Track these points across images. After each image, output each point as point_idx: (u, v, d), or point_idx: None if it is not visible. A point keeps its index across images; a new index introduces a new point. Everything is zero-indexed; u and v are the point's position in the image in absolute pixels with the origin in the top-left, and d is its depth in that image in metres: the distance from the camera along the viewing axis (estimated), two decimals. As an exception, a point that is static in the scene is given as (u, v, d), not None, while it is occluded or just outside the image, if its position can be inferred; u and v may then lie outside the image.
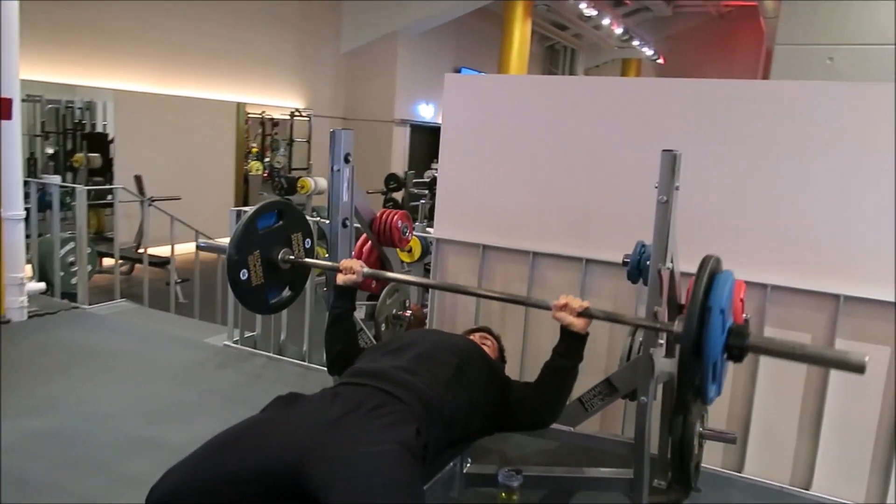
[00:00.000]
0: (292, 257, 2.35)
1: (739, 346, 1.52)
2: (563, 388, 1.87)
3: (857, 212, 2.50)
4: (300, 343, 3.86)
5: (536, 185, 2.99)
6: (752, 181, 2.63)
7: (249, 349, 3.91)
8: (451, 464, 2.18)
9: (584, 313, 1.80)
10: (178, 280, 5.98)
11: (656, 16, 13.68)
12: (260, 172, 9.21)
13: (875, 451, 2.56)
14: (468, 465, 2.28)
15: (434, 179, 6.56)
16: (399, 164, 10.60)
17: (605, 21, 11.40)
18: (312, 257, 2.50)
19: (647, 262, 2.14)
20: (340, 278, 2.17)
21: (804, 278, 2.54)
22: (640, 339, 2.29)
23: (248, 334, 4.01)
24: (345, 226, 2.55)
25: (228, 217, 3.77)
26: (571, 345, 1.83)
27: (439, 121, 12.58)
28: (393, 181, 6.88)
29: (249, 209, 2.31)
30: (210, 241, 2.49)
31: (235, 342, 3.96)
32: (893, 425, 2.51)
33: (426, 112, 11.34)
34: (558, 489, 2.35)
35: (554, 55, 15.26)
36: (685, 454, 2.16)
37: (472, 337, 2.27)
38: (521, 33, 10.27)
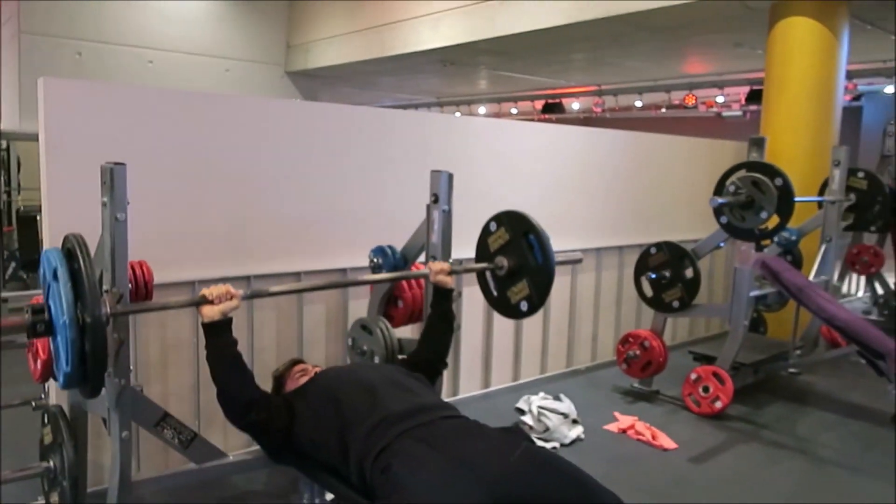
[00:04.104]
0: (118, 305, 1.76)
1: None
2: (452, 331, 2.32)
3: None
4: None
5: (184, 206, 2.74)
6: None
7: None
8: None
9: (451, 272, 2.26)
10: None
11: None
12: None
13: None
14: None
15: None
16: None
17: None
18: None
19: (404, 262, 2.69)
20: (212, 311, 1.80)
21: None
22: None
23: None
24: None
25: None
26: (449, 298, 2.28)
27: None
28: None
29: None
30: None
31: None
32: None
33: None
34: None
35: None
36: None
37: (304, 367, 2.30)
38: None
